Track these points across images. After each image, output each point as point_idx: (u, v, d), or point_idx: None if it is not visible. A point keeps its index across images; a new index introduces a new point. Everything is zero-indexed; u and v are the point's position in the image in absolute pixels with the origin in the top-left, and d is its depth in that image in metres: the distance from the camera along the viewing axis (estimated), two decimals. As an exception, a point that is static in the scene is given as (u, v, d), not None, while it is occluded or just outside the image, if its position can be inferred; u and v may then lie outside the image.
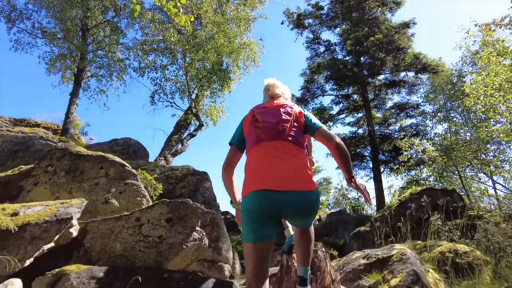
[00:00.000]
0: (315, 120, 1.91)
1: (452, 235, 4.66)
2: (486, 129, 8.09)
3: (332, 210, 15.44)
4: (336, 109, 15.55)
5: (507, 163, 9.43)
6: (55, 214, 2.76)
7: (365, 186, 1.80)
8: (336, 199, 18.41)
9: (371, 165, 14.13)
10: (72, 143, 6.93)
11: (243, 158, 1.92)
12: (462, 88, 10.55)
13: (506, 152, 9.80)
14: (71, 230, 2.98)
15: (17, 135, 7.17)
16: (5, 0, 10.54)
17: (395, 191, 14.05)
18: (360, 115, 15.54)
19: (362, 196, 1.81)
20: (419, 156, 10.40)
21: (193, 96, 12.58)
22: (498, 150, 9.53)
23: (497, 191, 10.09)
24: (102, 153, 4.81)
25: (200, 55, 11.48)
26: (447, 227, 4.68)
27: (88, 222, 3.23)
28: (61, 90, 11.65)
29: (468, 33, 7.98)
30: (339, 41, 15.94)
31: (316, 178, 18.90)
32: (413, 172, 13.03)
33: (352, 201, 17.44)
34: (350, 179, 1.78)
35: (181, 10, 3.92)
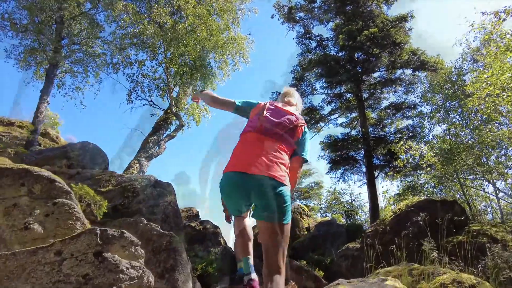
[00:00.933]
0: (307, 147, 2.06)
1: (456, 265, 4.25)
2: (491, 133, 7.25)
3: (324, 216, 14.66)
4: (327, 109, 14.84)
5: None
6: None
7: None
8: (329, 203, 17.55)
9: (364, 169, 13.26)
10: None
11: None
12: (462, 87, 9.79)
13: (512, 158, 8.96)
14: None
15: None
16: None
17: (390, 196, 13.28)
18: (353, 115, 14.74)
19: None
20: (416, 161, 9.58)
21: (174, 94, 11.81)
22: (505, 156, 8.68)
23: (500, 200, 9.28)
24: (26, 166, 3.86)
25: (180, 50, 10.57)
26: (449, 246, 4.25)
27: (-9, 258, 2.38)
28: (34, 87, 10.75)
29: (472, 26, 7.12)
30: (331, 36, 15.10)
31: (306, 182, 18.13)
32: (409, 178, 12.14)
33: (345, 205, 16.62)
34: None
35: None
